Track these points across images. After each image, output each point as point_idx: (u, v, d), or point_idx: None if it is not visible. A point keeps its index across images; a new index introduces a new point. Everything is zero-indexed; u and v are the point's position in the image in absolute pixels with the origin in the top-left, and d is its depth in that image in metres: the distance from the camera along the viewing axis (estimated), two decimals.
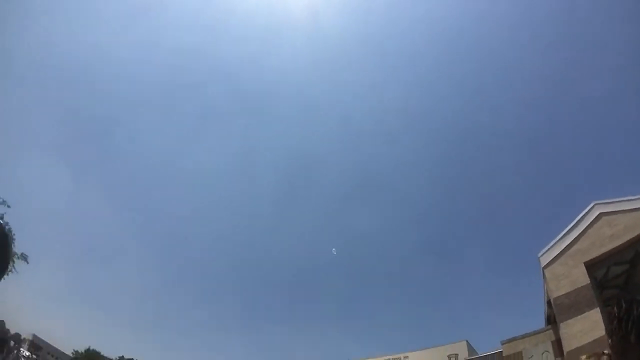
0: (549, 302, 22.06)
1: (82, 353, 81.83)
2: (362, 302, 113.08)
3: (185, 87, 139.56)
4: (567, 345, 18.62)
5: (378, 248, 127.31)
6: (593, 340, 16.55)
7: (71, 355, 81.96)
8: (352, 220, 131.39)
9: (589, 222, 19.58)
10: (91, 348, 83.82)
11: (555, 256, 20.70)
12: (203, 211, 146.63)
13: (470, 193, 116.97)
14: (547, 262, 21.09)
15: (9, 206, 33.86)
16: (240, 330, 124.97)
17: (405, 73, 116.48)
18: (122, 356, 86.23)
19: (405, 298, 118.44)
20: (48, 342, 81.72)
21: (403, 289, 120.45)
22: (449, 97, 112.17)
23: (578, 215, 20.36)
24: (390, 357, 41.71)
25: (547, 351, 22.31)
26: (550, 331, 22.88)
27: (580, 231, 19.80)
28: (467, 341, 37.38)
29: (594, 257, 18.74)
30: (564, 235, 20.64)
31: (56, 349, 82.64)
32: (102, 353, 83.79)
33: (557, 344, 21.13)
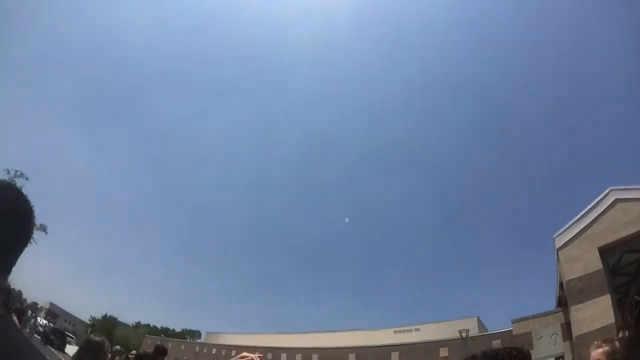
0: (561, 285, 21.88)
1: (99, 319, 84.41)
2: (377, 274, 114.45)
3: (203, 61, 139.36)
4: (577, 330, 18.51)
5: (395, 220, 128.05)
6: (602, 327, 16.41)
7: (88, 322, 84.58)
8: (369, 192, 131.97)
9: (604, 207, 19.19)
10: (108, 314, 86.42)
11: (570, 239, 20.42)
12: (221, 180, 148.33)
13: (489, 169, 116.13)
14: (562, 244, 20.84)
15: (27, 178, 34.38)
16: (256, 298, 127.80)
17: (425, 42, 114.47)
18: (139, 322, 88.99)
19: (418, 272, 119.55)
20: (65, 309, 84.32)
21: (417, 263, 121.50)
22: (469, 63, 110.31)
23: (594, 199, 19.95)
24: (402, 328, 42.21)
25: (556, 333, 22.27)
26: (561, 313, 22.79)
27: (595, 216, 19.43)
28: (478, 317, 37.57)
29: (608, 242, 18.42)
30: (580, 218, 20.31)
31: (73, 316, 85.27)
32: (119, 319, 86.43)
33: (567, 327, 21.05)
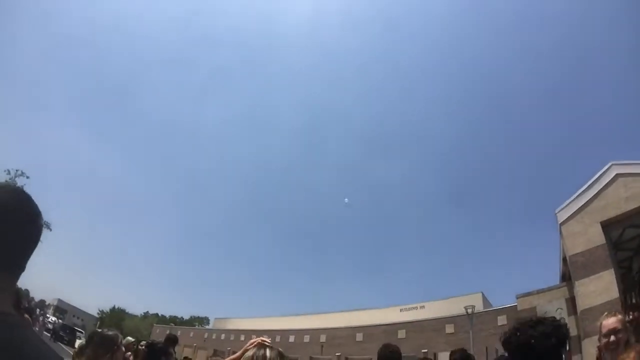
0: (564, 259, 21.98)
1: (107, 312, 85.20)
2: (382, 254, 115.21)
3: (198, 45, 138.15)
4: (581, 304, 18.66)
5: (398, 200, 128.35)
6: (607, 301, 16.55)
7: (97, 315, 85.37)
8: (371, 173, 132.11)
9: (605, 182, 19.19)
10: (116, 306, 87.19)
11: (572, 213, 20.44)
12: (223, 166, 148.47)
13: (490, 146, 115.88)
14: (564, 219, 20.87)
15: (27, 177, 34.47)
16: (262, 282, 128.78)
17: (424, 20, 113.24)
18: (147, 311, 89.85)
19: (422, 250, 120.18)
20: (73, 305, 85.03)
21: (420, 241, 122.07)
22: (471, 39, 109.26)
23: (596, 174, 19.94)
24: (407, 306, 42.51)
25: (560, 308, 22.40)
26: (565, 288, 22.91)
27: (597, 191, 19.44)
28: (482, 293, 37.71)
29: (610, 217, 18.47)
30: (581, 193, 20.29)
31: (82, 311, 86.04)
32: (127, 310, 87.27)
33: (571, 302, 21.20)
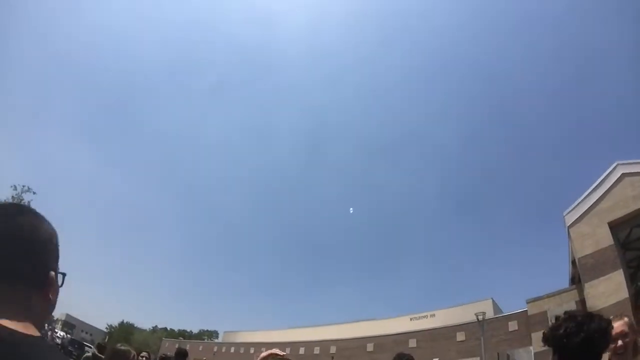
0: (573, 262, 21.87)
1: (116, 327, 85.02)
2: (389, 264, 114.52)
3: (199, 61, 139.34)
4: (592, 306, 18.44)
5: (403, 208, 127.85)
6: (617, 302, 16.43)
7: (105, 330, 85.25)
8: (376, 181, 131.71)
9: (612, 182, 19.13)
10: (125, 321, 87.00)
11: (580, 215, 20.41)
12: (228, 180, 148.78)
13: (495, 149, 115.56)
14: (572, 221, 20.83)
15: (34, 193, 34.49)
16: (271, 295, 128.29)
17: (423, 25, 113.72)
18: (156, 325, 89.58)
19: (430, 258, 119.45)
20: (81, 319, 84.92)
21: (428, 248, 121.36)
22: (474, 42, 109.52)
23: (602, 174, 19.87)
24: (417, 315, 42.31)
25: None
26: (575, 291, 22.75)
27: (603, 191, 19.38)
28: (492, 299, 37.55)
29: (618, 217, 18.40)
30: (588, 194, 20.26)
31: (90, 326, 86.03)
32: (135, 325, 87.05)
33: (582, 304, 20.99)
